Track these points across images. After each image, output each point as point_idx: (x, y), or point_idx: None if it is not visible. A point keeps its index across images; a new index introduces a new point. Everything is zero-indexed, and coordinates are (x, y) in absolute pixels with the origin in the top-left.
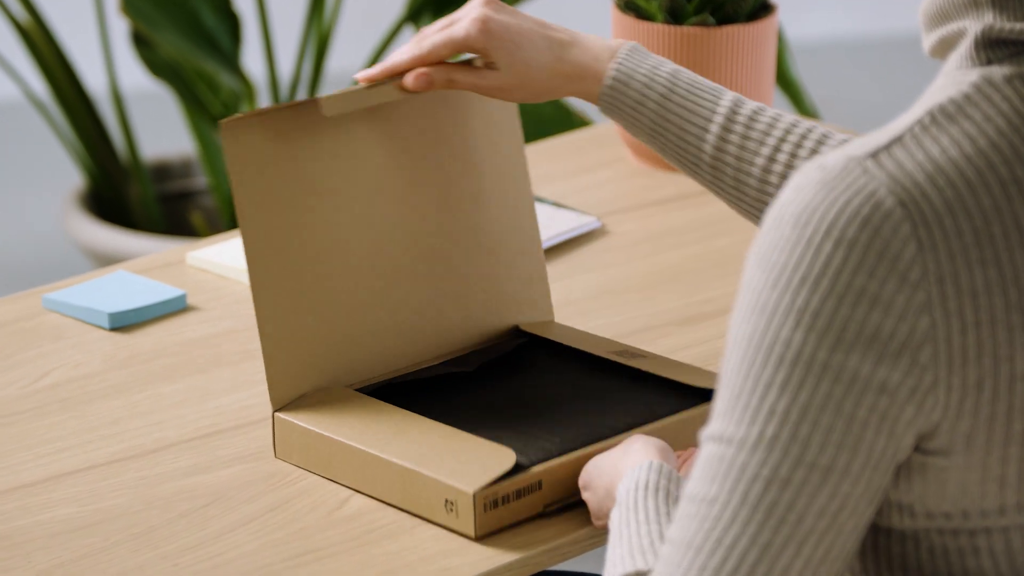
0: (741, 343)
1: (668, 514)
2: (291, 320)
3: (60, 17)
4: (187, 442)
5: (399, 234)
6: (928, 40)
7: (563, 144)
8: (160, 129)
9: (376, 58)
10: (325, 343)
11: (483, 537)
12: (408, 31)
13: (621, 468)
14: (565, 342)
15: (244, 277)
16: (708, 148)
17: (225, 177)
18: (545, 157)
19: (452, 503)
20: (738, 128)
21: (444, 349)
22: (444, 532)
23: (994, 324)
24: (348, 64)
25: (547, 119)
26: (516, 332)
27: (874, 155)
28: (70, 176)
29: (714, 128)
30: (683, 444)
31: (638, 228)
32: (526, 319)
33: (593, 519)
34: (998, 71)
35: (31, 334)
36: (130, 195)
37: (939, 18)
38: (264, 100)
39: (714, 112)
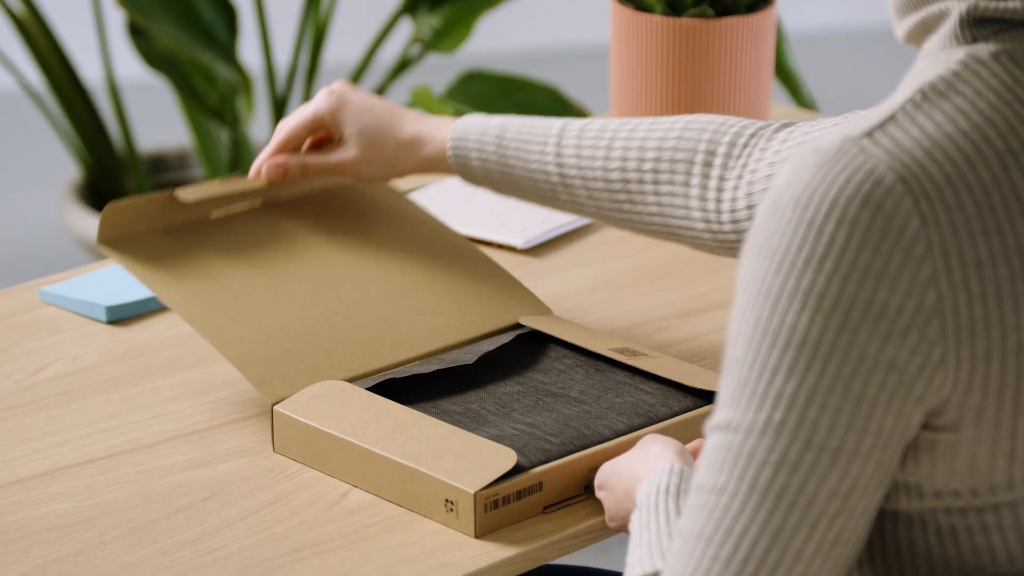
0: (746, 331)
1: None
2: (251, 343)
3: (56, 8)
4: (185, 436)
5: (333, 280)
6: (903, 25)
7: None
8: (156, 121)
9: (373, 50)
10: (294, 352)
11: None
12: (405, 22)
13: (639, 472)
14: (565, 338)
15: None
16: (552, 169)
17: (222, 169)
18: None
19: (452, 503)
20: (570, 140)
21: (435, 346)
22: (443, 527)
23: (1000, 294)
24: (345, 55)
25: (544, 111)
26: (517, 327)
27: (869, 134)
28: (66, 168)
29: (550, 148)
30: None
31: None
32: (517, 318)
33: (607, 519)
34: (984, 48)
35: (28, 327)
36: (127, 187)
37: (917, 1)
38: (261, 92)
39: (547, 135)
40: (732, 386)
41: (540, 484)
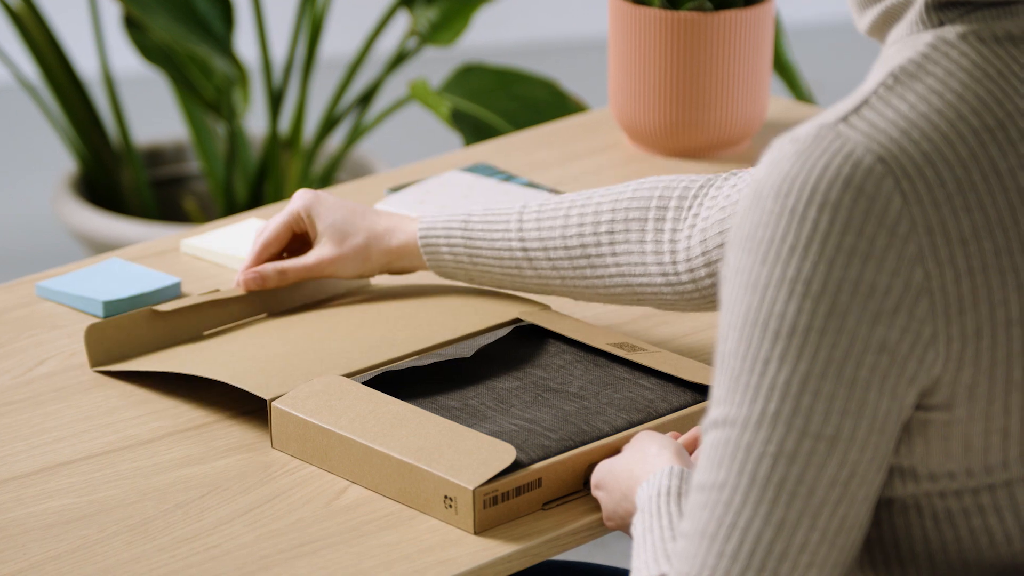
0: (736, 324)
1: None
2: (246, 362)
3: (51, 1)
4: (182, 432)
5: (322, 315)
6: (866, 18)
7: (558, 129)
8: (152, 114)
9: (370, 43)
10: (288, 362)
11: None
12: (402, 15)
13: (638, 473)
14: (564, 332)
15: (238, 265)
16: (516, 245)
17: (218, 162)
18: (540, 143)
19: (451, 499)
20: (531, 215)
21: (433, 341)
22: (442, 523)
23: (986, 269)
24: (342, 48)
25: (542, 104)
26: (516, 322)
27: (844, 119)
28: (62, 161)
29: (513, 226)
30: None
31: None
32: (514, 314)
33: (605, 519)
34: (951, 30)
35: (25, 322)
36: (122, 180)
37: None
38: (257, 84)
39: (509, 216)
40: (725, 381)
41: (539, 480)
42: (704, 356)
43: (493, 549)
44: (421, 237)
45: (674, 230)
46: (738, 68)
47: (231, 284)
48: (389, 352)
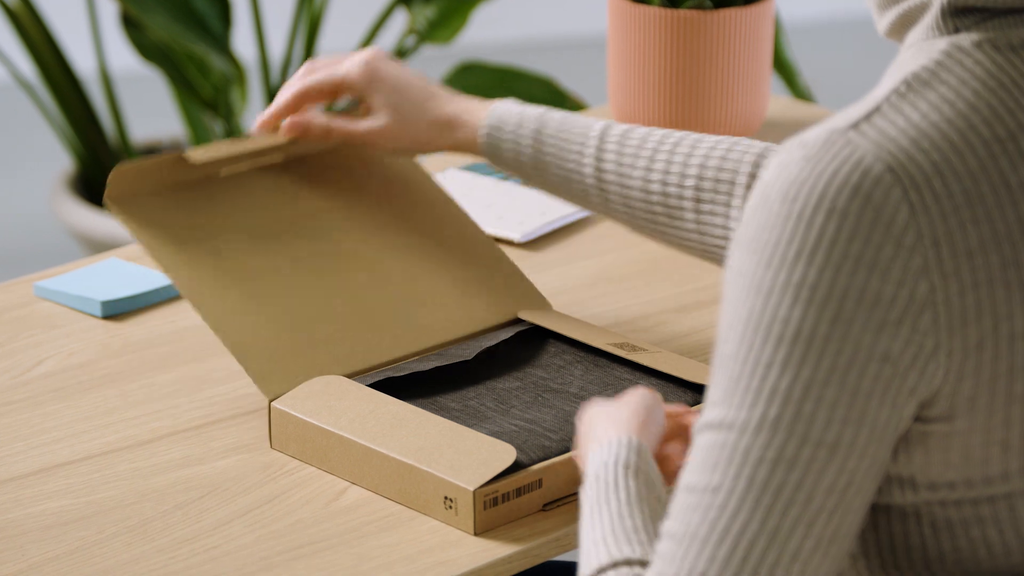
0: (737, 327)
1: (648, 500)
2: (252, 330)
3: None
4: (181, 433)
5: (336, 259)
6: (885, 19)
7: None
8: (150, 112)
9: (369, 40)
10: (294, 342)
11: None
12: (400, 13)
13: (599, 434)
14: (565, 333)
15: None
16: (588, 171)
17: None
18: None
19: (451, 500)
20: (611, 146)
21: (435, 341)
22: (442, 524)
23: (992, 283)
24: (340, 45)
25: (540, 103)
26: (516, 322)
27: (855, 126)
28: (59, 159)
29: (589, 151)
30: None
31: None
32: (518, 312)
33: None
34: (966, 38)
35: (23, 322)
36: None
37: None
38: (255, 82)
39: (587, 136)
40: (724, 383)
41: (540, 481)
42: (704, 356)
43: (493, 550)
44: (486, 134)
45: None
46: (738, 66)
47: None
48: (392, 351)
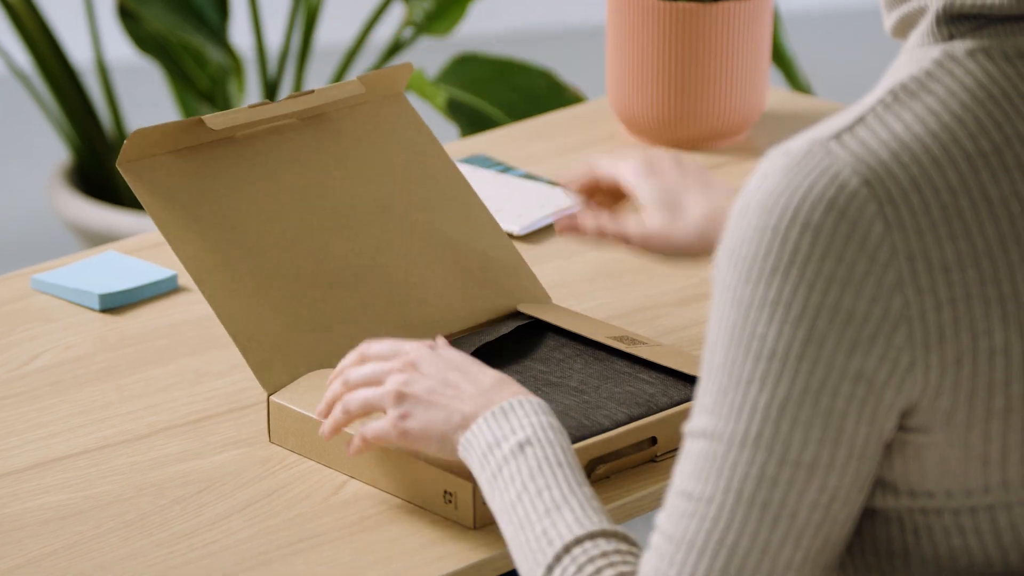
0: (723, 339)
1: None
2: (255, 315)
3: None
4: (179, 427)
5: (343, 237)
6: (889, 20)
7: (556, 120)
8: (147, 103)
9: (366, 33)
10: (297, 331)
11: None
12: (398, 4)
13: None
14: (565, 326)
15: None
16: None
17: None
18: (538, 134)
19: (451, 494)
20: None
21: (436, 333)
22: (442, 518)
23: (969, 299)
24: (337, 37)
25: (539, 95)
26: (516, 315)
27: (837, 136)
28: (56, 151)
29: None
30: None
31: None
32: (519, 307)
33: (396, 430)
34: (960, 46)
35: (20, 316)
36: (116, 170)
37: None
38: (252, 74)
39: None
40: (713, 392)
41: None
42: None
43: (493, 544)
44: None
45: None
46: (737, 58)
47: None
48: None
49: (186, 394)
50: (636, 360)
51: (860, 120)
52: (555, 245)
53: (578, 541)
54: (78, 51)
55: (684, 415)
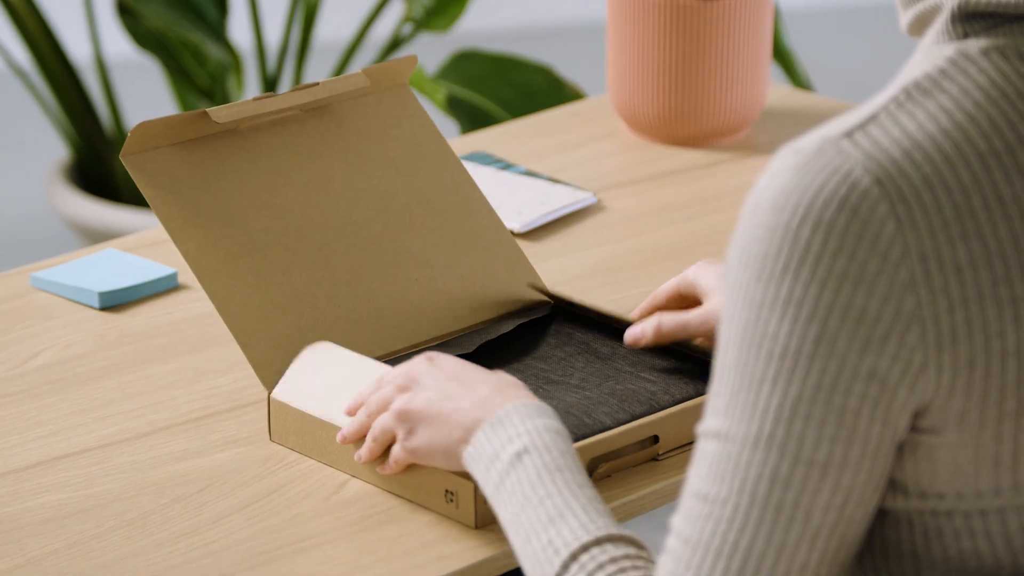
0: (735, 339)
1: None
2: (257, 313)
3: None
4: (180, 425)
5: (345, 232)
6: (905, 17)
7: (556, 117)
8: (146, 100)
9: (365, 29)
10: (298, 329)
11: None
12: (396, 3)
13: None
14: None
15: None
16: None
17: None
18: (537, 131)
19: (452, 493)
20: None
21: (437, 332)
22: (443, 517)
23: (982, 300)
24: (337, 33)
25: (538, 92)
26: (520, 312)
27: (849, 134)
28: (54, 148)
29: None
30: (686, 434)
31: (634, 203)
32: (520, 305)
33: (407, 452)
34: (974, 44)
35: (19, 313)
36: (115, 167)
37: None
38: (251, 71)
39: None
40: (725, 393)
41: None
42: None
43: (495, 543)
44: None
45: None
46: (738, 55)
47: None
48: (392, 342)
49: (186, 392)
50: (637, 361)
51: (872, 118)
52: (555, 243)
53: (585, 548)
54: (77, 48)
55: (686, 413)
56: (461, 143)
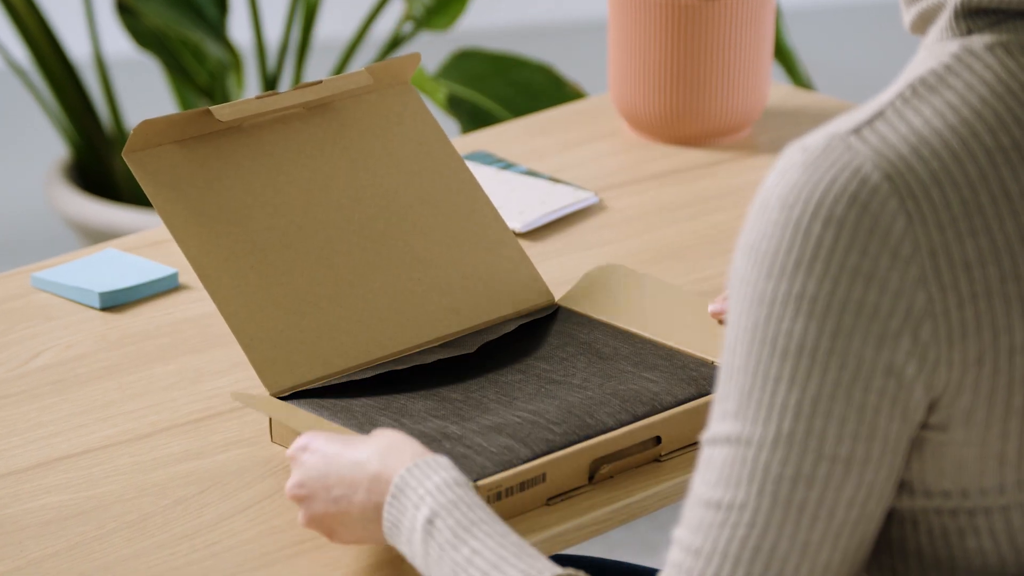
0: (744, 339)
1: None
2: (259, 313)
3: None
4: (181, 426)
5: (347, 231)
6: (908, 15)
7: (557, 117)
8: (145, 99)
9: (366, 27)
10: (300, 329)
11: None
12: (397, 1)
13: (392, 463)
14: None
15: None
16: None
17: None
18: (538, 130)
19: None
20: None
21: (439, 332)
22: None
23: (990, 296)
24: (337, 32)
25: (539, 91)
26: (523, 316)
27: (856, 131)
28: (54, 147)
29: None
30: (689, 435)
31: (635, 203)
32: (522, 305)
33: (307, 520)
34: (978, 40)
35: (20, 314)
36: (115, 166)
37: None
38: (251, 69)
39: None
40: (736, 395)
41: (543, 475)
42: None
43: None
44: None
45: None
46: (739, 54)
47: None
48: (395, 343)
49: (188, 393)
50: (639, 362)
51: (879, 115)
52: (557, 242)
53: None
54: (76, 46)
55: (689, 414)
56: (462, 142)
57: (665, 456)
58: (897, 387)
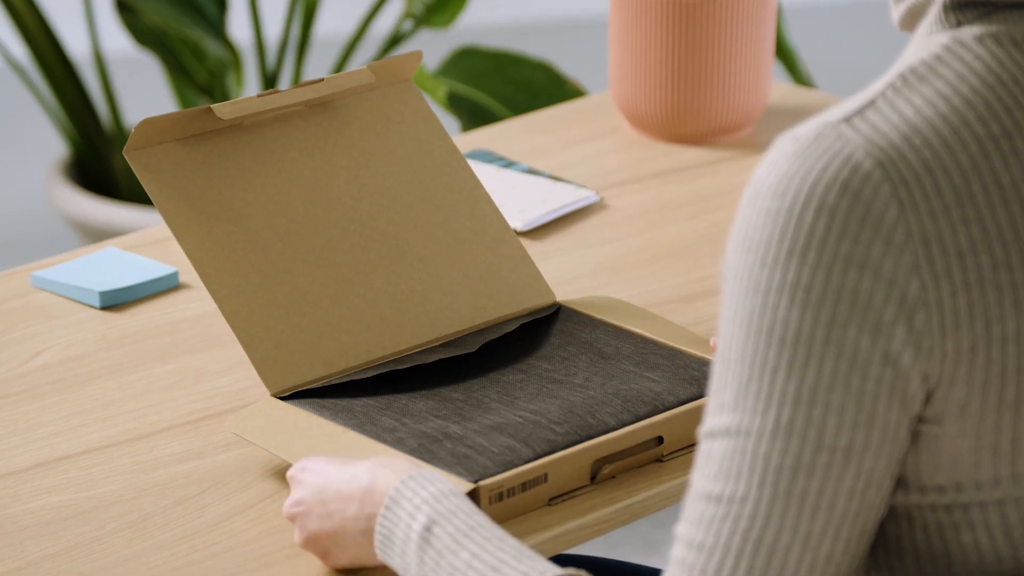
0: (740, 330)
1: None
2: (260, 312)
3: None
4: (181, 426)
5: (348, 230)
6: (897, 11)
7: (558, 115)
8: (145, 97)
9: (366, 25)
10: (301, 329)
11: None
12: None
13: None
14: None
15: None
16: None
17: None
18: (538, 129)
19: None
20: None
21: (441, 331)
22: None
23: (983, 285)
24: (337, 29)
25: (539, 89)
26: (524, 315)
27: (847, 120)
28: (53, 144)
29: None
30: (691, 435)
31: (636, 202)
32: (523, 304)
33: (304, 540)
34: (968, 31)
35: (20, 313)
36: (115, 164)
37: None
38: (251, 67)
39: None
40: (733, 387)
41: (545, 476)
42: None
43: None
44: None
45: None
46: (740, 52)
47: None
48: (396, 342)
49: (188, 393)
50: (640, 360)
51: (870, 104)
52: (558, 241)
53: None
54: (76, 44)
55: (691, 414)
56: (462, 141)
57: (667, 456)
58: (895, 375)
